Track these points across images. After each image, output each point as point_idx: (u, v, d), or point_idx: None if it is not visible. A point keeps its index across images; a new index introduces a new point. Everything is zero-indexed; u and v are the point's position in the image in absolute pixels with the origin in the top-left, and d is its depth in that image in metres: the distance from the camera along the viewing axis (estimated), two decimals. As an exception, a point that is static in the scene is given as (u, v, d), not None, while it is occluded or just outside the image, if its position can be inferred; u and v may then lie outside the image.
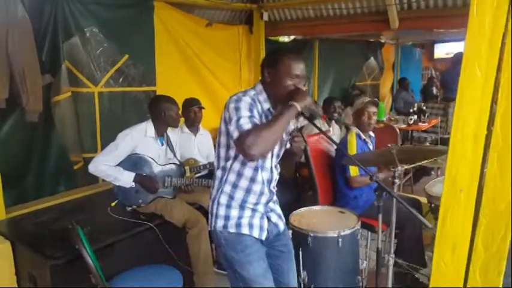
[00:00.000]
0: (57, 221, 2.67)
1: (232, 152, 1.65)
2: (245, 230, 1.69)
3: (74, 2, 3.00)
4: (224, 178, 1.69)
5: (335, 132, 4.02)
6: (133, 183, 2.62)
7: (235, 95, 1.61)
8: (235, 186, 1.68)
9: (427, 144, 6.32)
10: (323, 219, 2.39)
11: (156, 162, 2.72)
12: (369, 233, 2.83)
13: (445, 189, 0.72)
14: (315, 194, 2.99)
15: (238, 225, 1.69)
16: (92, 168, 2.55)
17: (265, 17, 4.41)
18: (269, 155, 1.70)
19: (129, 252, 2.50)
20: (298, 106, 1.52)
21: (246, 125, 1.47)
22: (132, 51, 3.49)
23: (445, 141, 5.24)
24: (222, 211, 1.69)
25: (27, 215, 2.82)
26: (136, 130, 2.66)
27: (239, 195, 1.69)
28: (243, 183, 1.68)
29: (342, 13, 4.20)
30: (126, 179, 2.60)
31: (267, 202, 1.78)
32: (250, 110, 1.54)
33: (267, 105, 1.66)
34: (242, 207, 1.70)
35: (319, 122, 3.85)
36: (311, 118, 1.66)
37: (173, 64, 3.86)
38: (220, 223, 1.70)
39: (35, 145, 3.07)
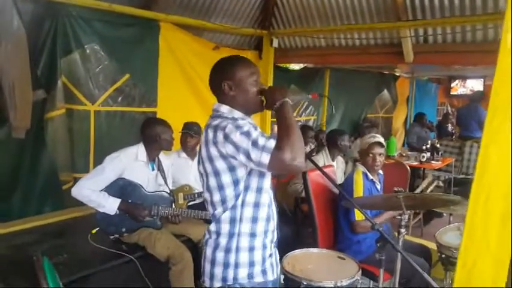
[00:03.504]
0: (34, 245, 2.51)
1: (241, 186, 1.42)
2: (270, 275, 1.49)
3: (76, 17, 2.92)
4: (238, 217, 1.43)
5: (339, 165, 3.80)
6: (117, 211, 2.45)
7: (218, 125, 1.37)
8: (255, 220, 1.45)
9: (439, 182, 6.03)
10: (319, 266, 2.15)
11: (144, 189, 2.55)
12: (371, 281, 2.57)
13: (457, 281, 0.51)
14: (314, 233, 2.76)
15: (264, 271, 1.48)
16: (75, 191, 2.40)
17: (275, 44, 4.31)
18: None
19: (105, 286, 2.30)
20: (289, 100, 1.41)
21: (268, 142, 1.29)
22: (134, 71, 3.39)
23: (459, 182, 4.95)
24: (244, 257, 1.44)
25: (7, 235, 2.66)
26: (126, 153, 2.52)
27: (260, 228, 1.46)
28: (263, 212, 1.46)
29: (354, 43, 4.08)
30: (110, 205, 2.43)
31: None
32: (255, 127, 1.38)
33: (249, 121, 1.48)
34: (264, 245, 1.48)
35: (324, 154, 3.64)
36: (309, 155, 1.51)
37: (176, 86, 3.75)
38: (243, 273, 1.44)
39: (24, 162, 2.93)
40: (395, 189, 1.98)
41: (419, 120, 6.75)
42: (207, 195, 1.48)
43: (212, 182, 1.43)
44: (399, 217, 1.89)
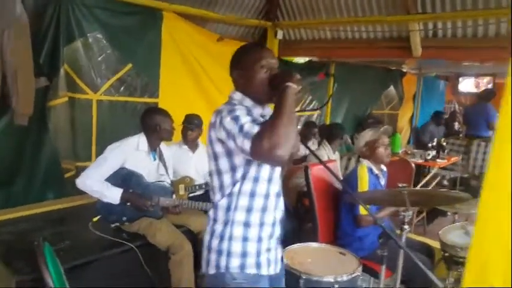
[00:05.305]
0: (36, 232, 2.52)
1: (239, 173, 1.40)
2: (264, 270, 1.46)
3: (79, 5, 2.89)
4: (233, 205, 1.42)
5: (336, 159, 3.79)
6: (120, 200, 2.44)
7: (221, 110, 1.38)
8: (249, 209, 1.43)
9: (445, 182, 5.95)
10: (319, 260, 2.12)
11: (145, 179, 2.54)
12: (371, 278, 2.53)
13: (467, 280, 0.47)
14: (315, 228, 2.74)
15: (258, 264, 1.45)
16: (80, 183, 2.42)
17: (280, 36, 4.24)
18: None
19: (106, 274, 2.32)
20: (294, 84, 1.32)
21: (252, 128, 1.25)
22: (136, 61, 3.36)
23: (465, 181, 4.88)
24: (237, 247, 1.42)
25: (8, 221, 2.68)
26: (127, 143, 2.52)
27: (255, 219, 1.44)
28: (258, 202, 1.43)
29: (361, 36, 4.01)
30: (113, 195, 2.43)
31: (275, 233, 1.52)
32: (249, 114, 1.34)
33: (258, 110, 1.46)
34: (260, 237, 1.45)
35: (326, 149, 3.61)
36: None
37: (179, 77, 3.72)
38: (235, 263, 1.42)
39: (26, 149, 2.93)
40: (400, 185, 1.94)
41: (436, 119, 6.63)
42: (209, 179, 1.50)
43: (212, 166, 1.45)
44: (403, 213, 1.85)
